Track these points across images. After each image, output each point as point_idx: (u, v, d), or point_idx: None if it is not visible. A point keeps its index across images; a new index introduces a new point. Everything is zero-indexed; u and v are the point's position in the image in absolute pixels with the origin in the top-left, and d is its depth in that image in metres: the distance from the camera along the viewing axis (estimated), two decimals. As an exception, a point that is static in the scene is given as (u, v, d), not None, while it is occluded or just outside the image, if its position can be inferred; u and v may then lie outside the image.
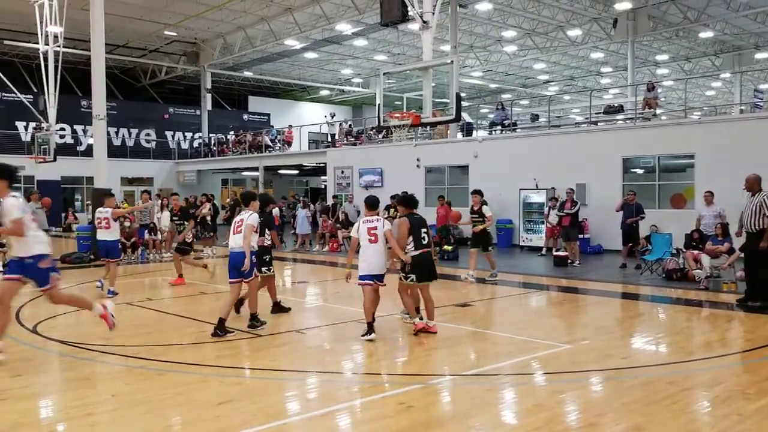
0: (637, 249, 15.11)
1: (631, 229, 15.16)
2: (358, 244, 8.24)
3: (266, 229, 9.32)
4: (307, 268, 16.76)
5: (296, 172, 35.19)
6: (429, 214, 20.77)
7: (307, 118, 39.28)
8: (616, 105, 22.36)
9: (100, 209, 11.91)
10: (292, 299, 11.34)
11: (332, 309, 10.97)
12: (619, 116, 21.24)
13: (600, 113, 22.18)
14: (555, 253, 16.25)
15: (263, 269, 9.32)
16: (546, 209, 18.65)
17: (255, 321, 8.58)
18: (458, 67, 23.29)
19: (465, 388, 6.30)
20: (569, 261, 15.60)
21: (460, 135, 24.41)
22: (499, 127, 23.41)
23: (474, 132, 25.68)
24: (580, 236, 17.30)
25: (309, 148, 31.21)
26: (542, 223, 19.08)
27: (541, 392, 6.14)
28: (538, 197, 19.78)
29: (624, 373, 6.65)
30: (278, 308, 9.71)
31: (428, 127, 20.17)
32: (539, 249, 18.81)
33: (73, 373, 6.94)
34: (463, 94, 46.19)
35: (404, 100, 18.78)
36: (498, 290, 12.51)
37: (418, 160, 23.46)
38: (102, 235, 11.74)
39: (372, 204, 8.34)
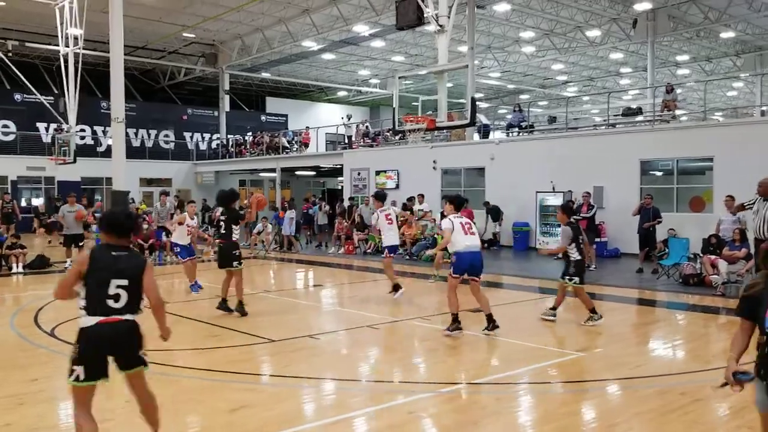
0: (654, 253, 14.98)
1: (648, 233, 15.02)
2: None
3: (233, 225, 10.04)
4: (323, 271, 16.78)
5: (313, 173, 35.29)
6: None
7: (325, 118, 39.37)
8: (634, 107, 22.15)
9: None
10: (306, 303, 11.39)
11: (346, 313, 10.99)
12: (638, 118, 21.06)
13: (618, 115, 22.00)
14: (571, 257, 16.11)
15: (233, 263, 9.96)
16: (562, 212, 18.51)
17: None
18: (474, 71, 23.19)
19: (475, 396, 6.29)
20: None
21: (477, 137, 24.34)
22: (516, 129, 23.32)
23: (491, 134, 25.59)
24: (597, 240, 17.17)
25: (326, 149, 31.27)
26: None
27: (551, 402, 6.11)
28: (555, 200, 19.66)
29: (637, 382, 6.60)
30: (232, 308, 9.99)
31: (445, 129, 20.15)
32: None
33: None
34: (480, 95, 46.12)
35: (420, 103, 18.71)
36: (512, 295, 12.48)
37: (434, 162, 23.43)
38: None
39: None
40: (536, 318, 10.20)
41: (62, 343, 8.22)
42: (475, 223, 8.96)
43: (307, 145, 31.83)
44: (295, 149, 31.76)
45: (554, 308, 9.55)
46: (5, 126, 31.78)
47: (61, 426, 5.53)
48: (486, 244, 20.61)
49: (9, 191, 28.64)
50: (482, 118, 26.33)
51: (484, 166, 22.18)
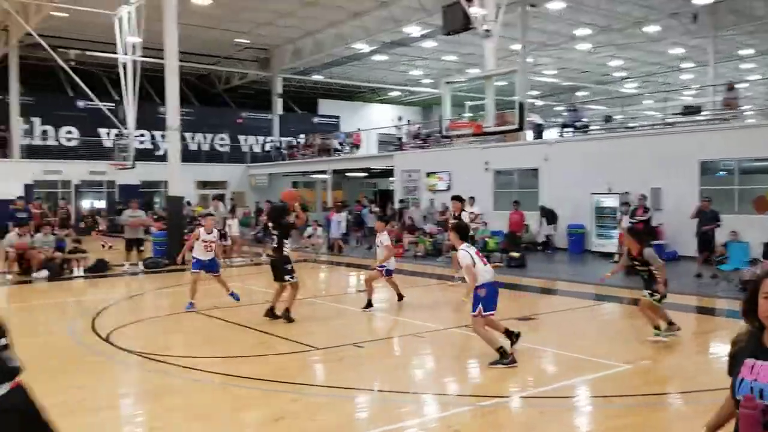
0: (713, 258, 14.45)
1: (707, 236, 14.50)
2: None
3: (284, 239, 10.14)
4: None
5: (365, 174, 35.41)
6: (498, 218, 20.57)
7: (377, 119, 39.46)
8: (694, 106, 21.43)
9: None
10: (354, 309, 11.41)
11: (393, 320, 10.96)
12: (697, 117, 20.35)
13: (678, 113, 21.31)
14: (627, 262, 15.70)
15: (286, 277, 10.11)
16: (618, 214, 18.08)
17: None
18: (525, 74, 22.90)
19: (517, 411, 6.18)
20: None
21: (530, 137, 23.97)
22: (571, 129, 22.85)
23: (545, 133, 25.16)
24: (654, 242, 16.66)
25: (378, 150, 31.33)
26: (615, 228, 18.51)
27: (597, 416, 5.96)
28: (611, 201, 19.20)
29: (686, 397, 6.36)
30: (281, 317, 10.02)
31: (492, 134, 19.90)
32: (612, 255, 18.24)
33: (138, 386, 7.24)
34: (535, 93, 45.44)
35: (467, 107, 18.50)
36: (564, 302, 12.22)
37: (486, 163, 23.17)
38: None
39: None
40: (585, 326, 9.95)
41: (117, 349, 8.46)
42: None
43: (358, 147, 31.96)
44: (346, 151, 31.92)
45: (659, 327, 8.53)
46: (69, 132, 33.03)
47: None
48: (540, 247, 20.33)
49: (64, 197, 29.70)
50: (536, 118, 25.92)
51: (538, 166, 21.80)
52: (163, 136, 32.40)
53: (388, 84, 43.88)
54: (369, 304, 11.12)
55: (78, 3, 23.41)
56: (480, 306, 7.42)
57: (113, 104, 28.94)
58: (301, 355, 8.17)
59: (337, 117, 42.44)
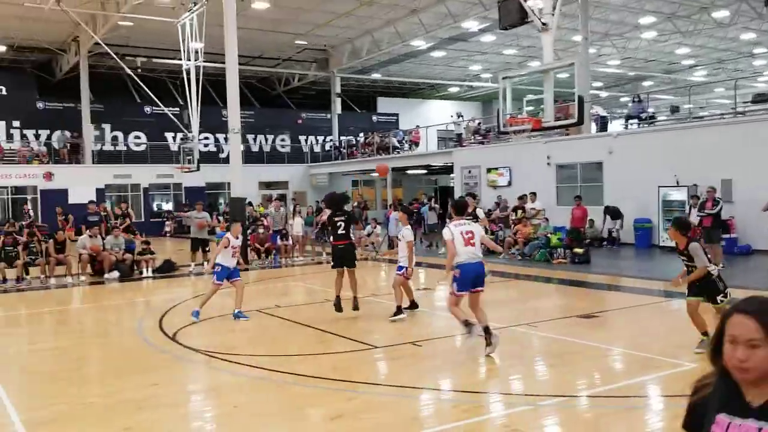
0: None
1: (782, 229, 13.84)
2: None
3: (351, 225, 10.56)
4: (432, 273, 16.67)
5: (425, 171, 35.33)
6: (561, 213, 20.17)
7: (436, 116, 39.28)
8: (766, 93, 20.47)
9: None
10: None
11: (452, 319, 10.86)
12: (770, 104, 19.45)
13: (748, 102, 20.41)
14: (696, 256, 15.14)
15: (355, 262, 10.34)
16: (687, 208, 17.45)
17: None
18: (587, 66, 22.30)
19: (577, 411, 6.04)
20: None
21: (594, 129, 23.41)
22: (636, 121, 22.20)
23: (609, 125, 24.52)
24: (726, 236, 16.04)
25: (438, 147, 31.21)
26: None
27: (658, 418, 5.75)
28: (679, 195, 18.55)
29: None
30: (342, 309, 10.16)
31: (551, 129, 19.49)
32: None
33: (204, 383, 7.41)
34: (599, 84, 44.36)
35: (524, 102, 18.17)
36: (630, 298, 11.88)
37: (548, 157, 22.77)
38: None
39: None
40: (650, 324, 9.65)
41: (183, 348, 8.69)
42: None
43: (417, 144, 31.89)
44: (405, 149, 31.90)
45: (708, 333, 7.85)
46: (137, 137, 34.17)
47: (180, 428, 5.84)
48: (605, 242, 19.84)
49: (124, 200, 30.64)
50: (599, 110, 25.30)
51: (602, 160, 21.28)
52: (226, 139, 33.20)
53: (447, 80, 43.64)
54: (398, 311, 10.07)
55: (143, 12, 24.14)
56: (454, 285, 7.76)
57: (178, 109, 29.75)
58: (360, 353, 8.21)
59: (396, 115, 42.48)
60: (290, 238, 18.94)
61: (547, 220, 18.76)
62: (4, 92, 32.04)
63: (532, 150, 23.26)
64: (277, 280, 15.85)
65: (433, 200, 25.08)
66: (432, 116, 39.51)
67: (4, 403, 6.43)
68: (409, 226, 10.79)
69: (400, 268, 10.31)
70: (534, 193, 19.82)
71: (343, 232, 10.15)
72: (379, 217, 24.49)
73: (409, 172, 34.39)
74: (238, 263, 10.79)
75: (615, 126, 25.09)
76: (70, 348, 9.19)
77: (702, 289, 7.47)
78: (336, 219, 10.21)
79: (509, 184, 23.86)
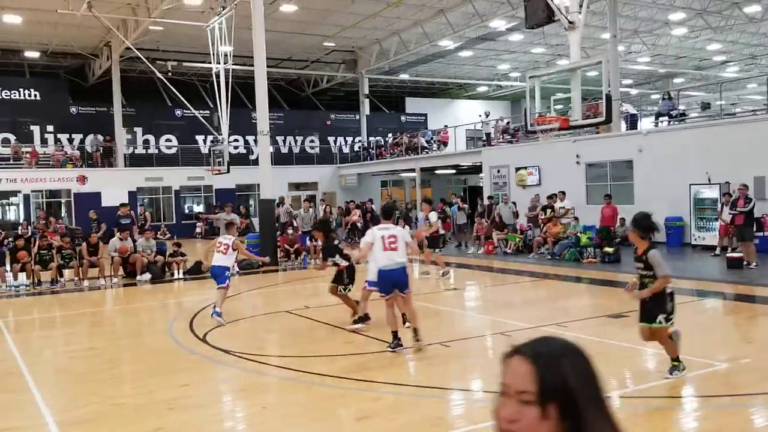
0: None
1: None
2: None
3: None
4: (461, 273, 16.64)
5: (454, 171, 35.24)
6: (591, 212, 19.95)
7: (465, 115, 39.15)
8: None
9: (225, 236, 11.32)
10: (442, 308, 11.35)
11: (481, 319, 10.84)
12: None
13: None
14: (728, 255, 14.89)
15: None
16: (719, 205, 17.14)
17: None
18: (616, 64, 22.01)
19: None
20: (744, 263, 14.22)
21: (624, 127, 23.10)
22: (666, 118, 21.87)
23: (639, 123, 24.19)
24: (759, 234, 15.73)
25: (467, 147, 31.10)
26: (716, 220, 17.57)
27: (690, 419, 5.67)
28: (711, 192, 18.23)
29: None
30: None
31: (579, 128, 19.29)
32: (713, 248, 17.34)
33: (235, 384, 7.47)
34: (629, 81, 43.80)
35: (552, 102, 18.00)
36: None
37: (577, 156, 22.54)
38: (216, 260, 10.87)
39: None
40: (681, 324, 9.50)
41: (213, 349, 8.79)
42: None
43: (446, 144, 31.82)
44: (434, 148, 31.86)
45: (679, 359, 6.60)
46: (168, 140, 34.63)
47: (211, 428, 5.89)
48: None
49: (142, 203, 31.05)
50: (629, 108, 24.99)
51: (632, 158, 20.99)
52: (255, 141, 33.50)
53: (476, 79, 43.46)
54: (366, 317, 9.56)
55: (173, 16, 24.47)
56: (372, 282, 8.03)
57: (208, 112, 30.09)
58: (388, 354, 8.21)
59: (424, 115, 42.44)
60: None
61: (576, 219, 18.59)
62: (38, 97, 32.72)
63: (561, 149, 23.04)
64: (307, 281, 15.93)
65: (461, 201, 24.96)
66: (461, 116, 39.39)
67: (39, 404, 6.56)
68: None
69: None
70: (563, 192, 19.64)
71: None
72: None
73: (437, 172, 34.33)
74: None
75: (645, 124, 24.72)
76: (103, 349, 9.33)
77: (647, 307, 6.32)
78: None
79: (539, 183, 23.67)
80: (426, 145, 31.92)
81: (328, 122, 39.38)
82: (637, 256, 6.44)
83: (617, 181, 21.60)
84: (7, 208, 31.09)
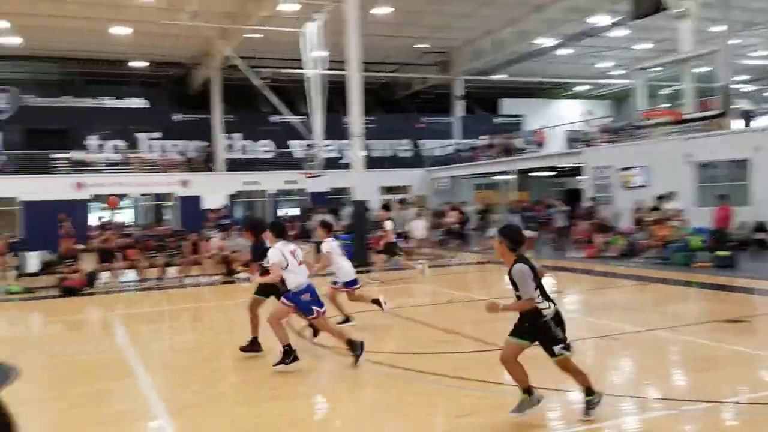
0: None
1: None
2: None
3: None
4: (563, 276, 15.93)
5: (552, 173, 34.15)
6: (702, 214, 18.69)
7: (564, 115, 37.96)
8: None
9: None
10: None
11: (586, 322, 10.26)
12: None
13: None
14: None
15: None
16: None
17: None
18: (727, 56, 20.55)
19: (718, 417, 5.48)
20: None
21: (739, 125, 21.57)
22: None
23: (755, 121, 22.58)
24: None
25: (568, 147, 30.03)
26: None
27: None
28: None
29: None
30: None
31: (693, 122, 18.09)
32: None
33: (330, 377, 7.47)
34: (744, 77, 41.18)
35: (664, 95, 17.02)
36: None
37: (687, 155, 21.20)
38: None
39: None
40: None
41: (310, 343, 8.65)
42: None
43: (542, 145, 30.90)
44: (530, 150, 31.00)
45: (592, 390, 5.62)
46: (264, 145, 35.47)
47: (290, 421, 5.81)
48: (751, 246, 18.19)
49: (226, 205, 31.68)
50: (745, 104, 23.38)
51: (748, 157, 19.52)
52: (348, 145, 33.74)
53: (575, 78, 42.10)
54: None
55: (270, 23, 24.98)
56: (314, 307, 7.38)
57: (304, 116, 30.54)
58: (489, 353, 7.83)
59: (520, 116, 41.51)
60: (411, 241, 18.82)
61: (686, 221, 17.45)
62: (145, 106, 34.34)
63: (668, 148, 21.74)
64: (399, 282, 15.72)
65: (561, 203, 24.11)
66: (560, 116, 38.18)
67: (147, 391, 6.86)
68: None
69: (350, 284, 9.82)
70: (672, 193, 18.51)
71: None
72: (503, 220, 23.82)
73: (534, 174, 33.37)
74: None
75: (764, 121, 23.02)
76: (205, 342, 9.53)
77: (530, 332, 5.51)
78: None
79: (645, 184, 22.44)
80: (522, 146, 31.11)
81: (420, 125, 39.16)
82: (508, 272, 5.53)
83: (732, 182, 20.14)
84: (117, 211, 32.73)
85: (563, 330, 5.47)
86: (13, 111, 31.58)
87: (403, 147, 38.45)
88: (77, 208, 25.12)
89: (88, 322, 12.69)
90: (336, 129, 31.62)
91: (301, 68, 25.85)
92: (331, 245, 9.71)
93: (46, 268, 17.89)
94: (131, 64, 33.42)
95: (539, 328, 5.43)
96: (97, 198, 28.59)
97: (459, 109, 38.82)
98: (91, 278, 15.37)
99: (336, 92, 30.53)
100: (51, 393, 7.13)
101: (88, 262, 16.49)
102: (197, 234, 17.64)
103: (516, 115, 41.66)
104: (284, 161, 33.85)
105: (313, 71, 23.86)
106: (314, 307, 7.39)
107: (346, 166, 32.70)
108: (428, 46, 33.98)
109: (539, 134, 31.11)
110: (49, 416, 6.28)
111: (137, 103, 34.48)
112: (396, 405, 6.11)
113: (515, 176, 30.51)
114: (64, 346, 9.76)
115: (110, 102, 34.01)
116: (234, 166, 33.59)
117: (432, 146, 38.68)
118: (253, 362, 7.90)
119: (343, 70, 20.50)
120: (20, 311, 13.89)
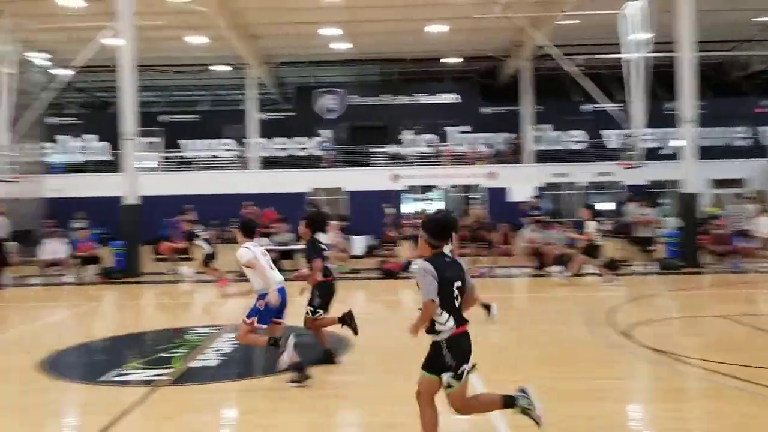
0: None
1: None
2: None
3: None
4: None
5: None
6: None
7: None
8: None
9: None
10: None
11: None
12: None
13: None
14: None
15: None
16: None
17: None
18: None
19: None
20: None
21: None
22: None
23: None
24: None
25: None
26: None
27: None
28: None
29: None
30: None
31: None
32: None
33: (664, 384, 6.73)
34: None
35: None
36: None
37: None
38: None
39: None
40: None
41: (635, 345, 8.04)
42: None
43: None
44: None
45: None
46: (574, 136, 34.26)
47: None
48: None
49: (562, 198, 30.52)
50: None
51: None
52: (672, 133, 30.83)
53: None
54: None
55: (587, 8, 23.82)
56: (255, 317, 6.65)
57: (618, 104, 28.73)
58: None
59: None
60: (756, 239, 16.33)
61: None
62: (456, 100, 35.70)
63: None
64: (741, 286, 13.76)
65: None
66: None
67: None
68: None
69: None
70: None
71: None
72: None
73: None
74: None
75: None
76: (524, 333, 9.32)
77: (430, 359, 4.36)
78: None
79: None
80: None
81: (762, 109, 34.23)
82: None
83: None
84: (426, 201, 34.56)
85: (455, 357, 4.28)
86: (342, 110, 35.31)
87: (738, 134, 34.15)
88: (392, 198, 27.07)
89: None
90: (656, 116, 29.10)
91: (619, 53, 24.23)
92: None
93: (370, 251, 19.34)
94: (443, 60, 34.76)
95: (432, 351, 4.37)
96: (410, 189, 30.69)
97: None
98: (406, 265, 16.07)
99: (658, 77, 28.13)
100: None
101: (405, 249, 17.33)
102: (508, 225, 17.55)
103: None
104: (596, 152, 32.38)
105: (635, 55, 22.17)
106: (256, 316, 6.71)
107: (667, 157, 30.05)
108: (769, 18, 29.44)
109: None
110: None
111: (448, 98, 35.96)
112: (751, 422, 5.28)
113: None
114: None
115: (424, 98, 36.03)
116: (542, 157, 33.08)
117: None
118: (578, 358, 7.37)
119: (666, 52, 18.65)
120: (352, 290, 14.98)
